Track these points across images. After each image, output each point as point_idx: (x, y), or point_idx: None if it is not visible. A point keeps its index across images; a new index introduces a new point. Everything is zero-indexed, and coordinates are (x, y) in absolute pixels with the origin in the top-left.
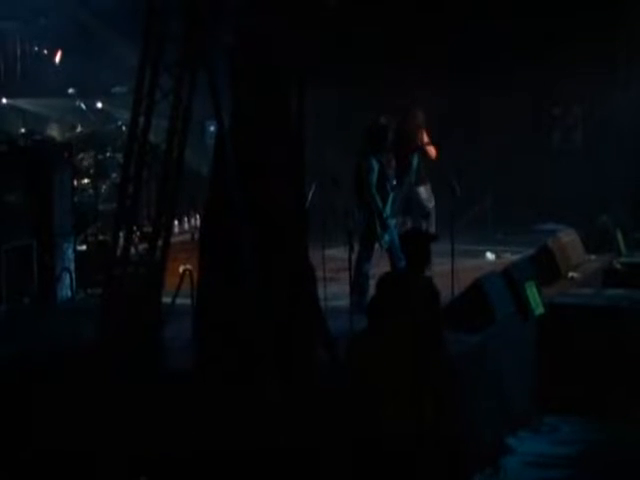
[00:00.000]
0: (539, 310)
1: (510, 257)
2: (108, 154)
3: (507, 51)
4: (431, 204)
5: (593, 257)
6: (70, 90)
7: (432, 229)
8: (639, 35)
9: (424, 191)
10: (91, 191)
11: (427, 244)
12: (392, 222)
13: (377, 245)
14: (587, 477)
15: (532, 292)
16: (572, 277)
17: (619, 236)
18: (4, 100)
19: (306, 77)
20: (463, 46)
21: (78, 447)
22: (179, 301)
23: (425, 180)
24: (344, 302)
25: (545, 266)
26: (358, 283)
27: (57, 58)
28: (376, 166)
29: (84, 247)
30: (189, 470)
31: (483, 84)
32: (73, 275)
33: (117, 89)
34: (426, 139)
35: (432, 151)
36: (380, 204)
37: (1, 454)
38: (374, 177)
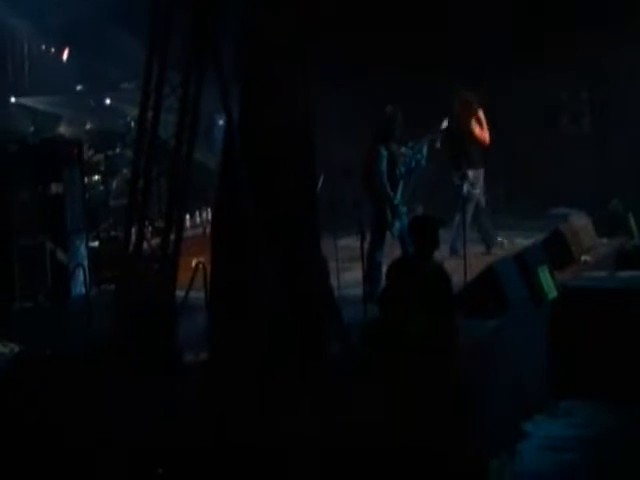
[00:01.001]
0: (552, 294)
1: (522, 242)
2: (118, 150)
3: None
4: (475, 190)
5: (605, 240)
6: (78, 87)
7: (468, 216)
8: None
9: (471, 175)
10: (102, 187)
11: (435, 230)
12: (403, 210)
13: (389, 233)
14: (602, 460)
15: (545, 276)
16: (585, 260)
17: (631, 219)
18: (13, 99)
19: (314, 68)
20: (482, 36)
21: (91, 439)
22: (192, 295)
23: (476, 165)
24: (357, 291)
25: (557, 250)
26: (371, 272)
27: (64, 56)
28: (385, 154)
29: (96, 243)
30: (203, 463)
31: (497, 73)
32: (87, 271)
33: (125, 85)
34: (477, 125)
35: (484, 136)
36: (390, 192)
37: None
38: (383, 165)
